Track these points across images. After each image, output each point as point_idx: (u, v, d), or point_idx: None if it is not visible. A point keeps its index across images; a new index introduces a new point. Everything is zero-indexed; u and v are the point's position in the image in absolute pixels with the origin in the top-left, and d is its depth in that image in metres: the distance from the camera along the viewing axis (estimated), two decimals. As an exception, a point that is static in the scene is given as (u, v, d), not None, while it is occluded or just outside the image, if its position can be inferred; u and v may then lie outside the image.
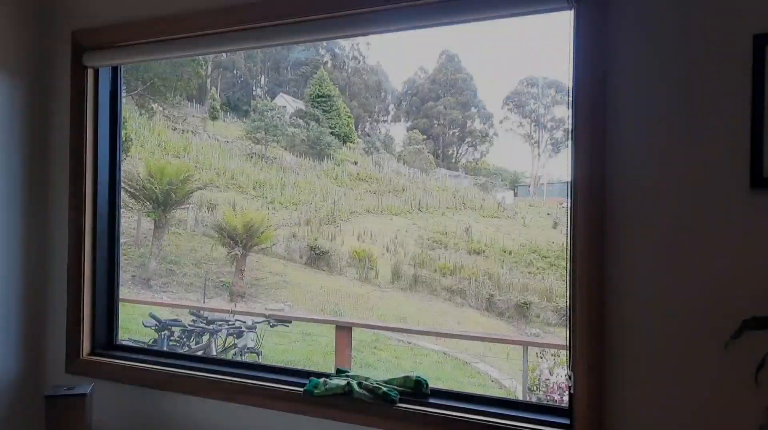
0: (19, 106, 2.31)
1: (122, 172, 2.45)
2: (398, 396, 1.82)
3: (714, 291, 1.45)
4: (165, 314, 7.64)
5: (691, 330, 1.47)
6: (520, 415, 1.71)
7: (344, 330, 5.14)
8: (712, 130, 1.45)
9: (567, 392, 1.65)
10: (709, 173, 1.45)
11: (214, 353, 6.13)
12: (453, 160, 21.69)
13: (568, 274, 1.63)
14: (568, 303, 1.63)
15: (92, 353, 2.37)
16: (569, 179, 1.61)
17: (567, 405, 1.66)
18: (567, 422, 1.65)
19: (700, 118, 1.46)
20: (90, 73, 2.33)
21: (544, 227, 16.02)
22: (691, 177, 1.47)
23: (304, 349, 9.75)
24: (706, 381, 1.46)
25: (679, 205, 1.48)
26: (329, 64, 22.35)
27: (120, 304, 2.49)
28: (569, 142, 1.62)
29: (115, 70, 2.41)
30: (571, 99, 1.61)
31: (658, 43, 1.50)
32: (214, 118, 18.81)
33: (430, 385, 1.87)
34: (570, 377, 1.61)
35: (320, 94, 19.63)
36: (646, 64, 1.51)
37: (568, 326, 1.64)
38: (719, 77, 1.44)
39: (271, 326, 6.49)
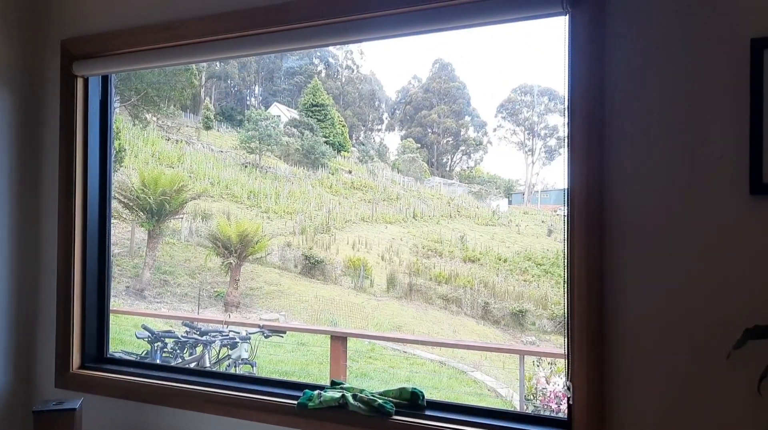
0: (8, 116, 2.28)
1: (116, 183, 2.43)
2: (394, 409, 1.79)
3: (715, 299, 1.43)
4: (159, 325, 7.59)
5: (693, 340, 1.45)
6: (519, 427, 1.68)
7: (339, 340, 5.12)
8: (710, 135, 1.43)
9: (564, 402, 1.63)
10: (708, 179, 1.43)
11: (208, 364, 6.07)
12: (447, 169, 21.75)
13: (566, 283, 1.61)
14: (566, 312, 1.61)
15: (82, 366, 2.33)
16: (566, 187, 1.59)
17: (566, 417, 1.63)
18: (566, 433, 1.62)
19: (699, 124, 1.44)
20: (80, 82, 2.30)
21: (539, 234, 16.06)
22: (690, 183, 1.45)
23: (299, 359, 9.69)
24: (708, 391, 1.44)
25: (678, 212, 1.46)
26: (323, 74, 22.41)
27: (111, 316, 2.45)
28: (565, 150, 1.60)
29: (105, 80, 2.38)
30: (566, 105, 1.59)
31: (654, 48, 1.49)
32: (208, 127, 18.81)
33: (426, 394, 1.84)
34: (569, 388, 1.58)
35: (314, 103, 19.67)
36: (643, 69, 1.49)
37: (566, 335, 1.61)
38: (717, 82, 1.42)
39: (266, 337, 6.44)
